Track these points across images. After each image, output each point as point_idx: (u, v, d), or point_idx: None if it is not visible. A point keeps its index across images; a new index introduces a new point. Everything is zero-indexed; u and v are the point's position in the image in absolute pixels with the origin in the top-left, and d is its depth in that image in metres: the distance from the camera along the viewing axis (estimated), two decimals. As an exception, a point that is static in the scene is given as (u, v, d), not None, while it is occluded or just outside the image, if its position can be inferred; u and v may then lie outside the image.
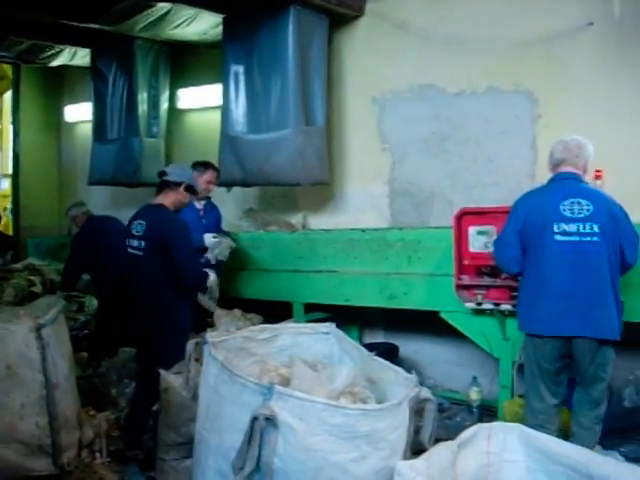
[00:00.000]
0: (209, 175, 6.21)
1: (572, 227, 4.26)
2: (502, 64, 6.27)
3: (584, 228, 4.25)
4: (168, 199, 5.05)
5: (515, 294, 5.05)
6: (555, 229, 4.29)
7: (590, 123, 5.77)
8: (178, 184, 5.05)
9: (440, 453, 3.44)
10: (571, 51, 5.95)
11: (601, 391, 4.43)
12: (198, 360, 3.93)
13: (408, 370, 3.86)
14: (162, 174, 5.12)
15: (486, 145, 6.40)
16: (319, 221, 7.29)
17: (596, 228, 4.23)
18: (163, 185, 5.10)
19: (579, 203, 4.29)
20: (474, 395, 5.75)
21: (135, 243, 4.98)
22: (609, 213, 4.28)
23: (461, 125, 6.53)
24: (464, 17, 6.46)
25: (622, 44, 5.76)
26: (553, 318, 4.30)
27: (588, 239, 4.24)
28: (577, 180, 4.46)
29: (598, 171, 5.22)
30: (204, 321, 5.60)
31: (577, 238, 4.25)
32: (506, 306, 5.15)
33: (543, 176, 5.88)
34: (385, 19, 6.88)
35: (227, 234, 6.31)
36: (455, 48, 6.47)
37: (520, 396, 5.13)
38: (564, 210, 4.29)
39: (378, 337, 7.06)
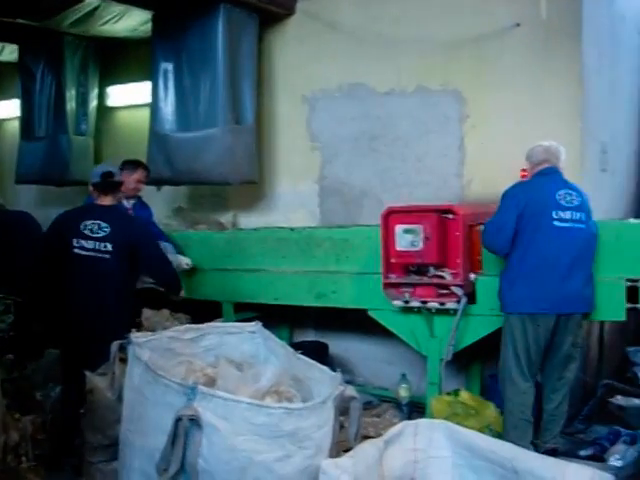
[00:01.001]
0: (139, 174, 6.16)
1: (567, 214, 4.74)
2: (431, 64, 6.34)
3: (575, 216, 4.75)
4: (114, 199, 5.02)
5: (443, 292, 5.15)
6: (554, 215, 4.71)
7: (517, 123, 5.92)
8: (121, 184, 5.06)
9: (366, 450, 3.46)
10: (499, 52, 6.05)
11: (575, 369, 4.93)
12: (124, 361, 3.88)
13: (338, 368, 3.87)
14: (109, 175, 5.07)
15: (415, 144, 6.45)
16: (249, 220, 7.26)
17: (583, 217, 4.78)
18: (112, 186, 5.06)
19: (570, 194, 4.80)
20: (403, 392, 5.79)
21: (90, 244, 4.91)
22: (587, 205, 4.87)
23: (390, 124, 6.57)
24: (394, 17, 6.50)
25: (549, 45, 5.87)
26: (556, 297, 4.68)
27: (578, 226, 4.75)
28: (560, 174, 4.95)
29: (524, 170, 5.29)
30: (132, 321, 5.52)
31: (570, 225, 4.74)
32: (433, 304, 5.19)
33: (470, 175, 6.09)
34: (316, 18, 6.89)
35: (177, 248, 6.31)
36: (385, 48, 6.51)
37: (448, 393, 5.19)
38: (560, 199, 4.76)
39: (308, 336, 7.05)
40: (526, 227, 4.71)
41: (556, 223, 4.72)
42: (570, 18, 5.82)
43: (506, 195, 4.86)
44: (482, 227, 4.98)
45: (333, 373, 3.80)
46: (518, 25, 5.92)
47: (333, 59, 6.84)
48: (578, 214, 4.78)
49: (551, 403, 4.88)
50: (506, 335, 4.79)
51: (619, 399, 6.23)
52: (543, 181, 4.90)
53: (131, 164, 6.16)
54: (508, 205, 4.78)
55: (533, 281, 4.69)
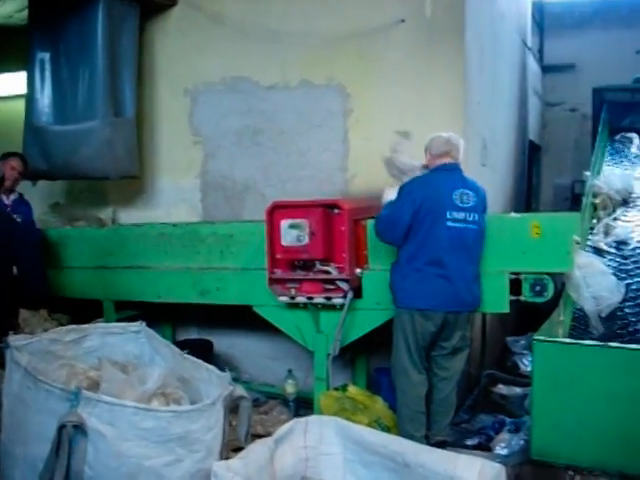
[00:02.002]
0: (14, 162, 6.02)
1: (461, 215, 4.73)
2: (315, 58, 6.32)
3: (469, 217, 4.75)
4: None
5: (329, 287, 5.14)
6: (448, 216, 4.70)
7: (400, 119, 5.96)
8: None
9: (257, 451, 3.42)
10: (383, 47, 6.07)
11: (464, 360, 4.99)
12: (2, 366, 3.70)
13: (223, 366, 3.79)
14: None
15: (299, 139, 6.42)
16: (129, 216, 7.08)
17: (476, 217, 4.79)
18: None
19: (467, 194, 4.79)
20: (290, 388, 5.76)
21: None
22: (483, 204, 4.91)
23: (274, 118, 6.52)
24: (279, 11, 6.46)
25: (432, 42, 5.94)
26: (445, 296, 4.70)
27: (470, 227, 4.76)
28: (460, 171, 4.92)
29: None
30: (9, 323, 5.28)
31: (463, 225, 4.74)
32: (319, 299, 5.16)
33: (354, 169, 6.11)
34: (199, 10, 6.77)
35: None
36: (269, 41, 6.45)
37: (336, 388, 5.19)
38: (456, 199, 4.74)
39: (192, 334, 6.95)
40: (420, 225, 4.69)
41: (449, 224, 4.70)
42: (453, 16, 5.91)
43: (404, 190, 4.82)
44: (375, 218, 4.94)
45: (221, 373, 3.72)
46: (403, 21, 5.97)
47: (216, 52, 6.73)
48: (471, 215, 4.78)
49: (440, 393, 4.91)
50: (397, 329, 4.80)
51: (501, 388, 6.42)
52: (441, 178, 4.85)
53: (4, 155, 6.00)
54: (405, 200, 4.73)
55: (423, 279, 4.70)
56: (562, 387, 4.28)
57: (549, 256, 4.83)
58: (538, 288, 4.88)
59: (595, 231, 6.49)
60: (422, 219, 4.68)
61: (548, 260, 4.84)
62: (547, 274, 4.88)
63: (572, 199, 8.76)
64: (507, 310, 5.00)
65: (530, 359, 6.97)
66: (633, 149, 8.36)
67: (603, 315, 5.04)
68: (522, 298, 4.93)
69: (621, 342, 5.00)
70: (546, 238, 4.83)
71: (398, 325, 4.80)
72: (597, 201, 6.69)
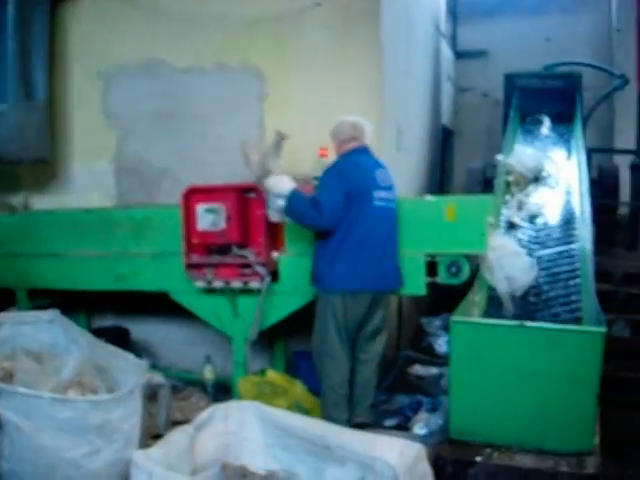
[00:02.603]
0: None
1: (383, 194, 4.80)
2: (231, 41, 6.25)
3: (389, 196, 4.85)
4: None
5: (246, 271, 5.12)
6: (374, 195, 4.73)
7: (317, 103, 5.96)
8: None
9: (177, 438, 3.40)
10: (299, 30, 6.05)
11: (384, 341, 4.98)
12: None
13: (141, 353, 3.74)
14: None
15: (214, 123, 6.35)
16: (42, 202, 6.88)
17: (393, 197, 4.89)
18: None
19: (384, 173, 4.88)
20: (208, 374, 5.73)
21: None
22: (391, 182, 4.94)
23: (189, 102, 6.43)
24: (194, -8, 6.35)
25: (348, 26, 5.94)
26: (375, 275, 4.74)
27: (391, 206, 4.85)
28: (371, 153, 4.95)
29: (323, 149, 5.33)
30: None
31: (385, 204, 4.81)
32: (236, 283, 5.15)
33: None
34: (113, -9, 6.61)
35: None
36: (184, 23, 6.36)
37: (255, 373, 5.19)
38: (378, 179, 4.80)
39: (107, 321, 6.83)
40: (350, 206, 4.66)
41: (376, 203, 4.75)
42: (369, 1, 5.91)
43: (331, 172, 4.78)
44: (299, 207, 4.79)
45: (138, 360, 3.68)
46: (319, 4, 5.96)
47: (131, 34, 6.58)
48: (391, 194, 4.89)
49: (362, 376, 4.93)
50: (326, 313, 4.76)
51: (418, 369, 6.52)
52: (363, 159, 4.87)
53: None
54: (336, 183, 4.68)
55: (354, 260, 4.68)
56: (479, 366, 4.38)
57: (464, 238, 4.92)
58: (454, 270, 4.96)
59: (509, 206, 6.74)
60: (352, 199, 4.67)
61: (463, 242, 4.93)
62: (462, 256, 4.96)
63: (484, 182, 8.86)
64: (424, 292, 5.07)
65: (445, 339, 7.21)
66: (544, 130, 8.59)
67: (517, 295, 5.13)
68: (438, 280, 5.01)
69: (536, 319, 5.19)
70: (461, 220, 4.92)
71: (328, 309, 4.75)
72: (510, 178, 6.97)
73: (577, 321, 5.33)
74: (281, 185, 4.82)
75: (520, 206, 6.69)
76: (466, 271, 4.96)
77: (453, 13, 11.53)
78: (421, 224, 5.03)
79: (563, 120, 8.80)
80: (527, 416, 4.34)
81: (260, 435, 3.76)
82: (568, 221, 6.67)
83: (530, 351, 4.26)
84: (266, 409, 3.83)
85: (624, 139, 10.37)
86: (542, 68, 9.37)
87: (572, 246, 6.19)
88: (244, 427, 3.75)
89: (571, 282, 5.79)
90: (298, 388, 5.08)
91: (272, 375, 5.15)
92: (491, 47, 11.77)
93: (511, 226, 6.56)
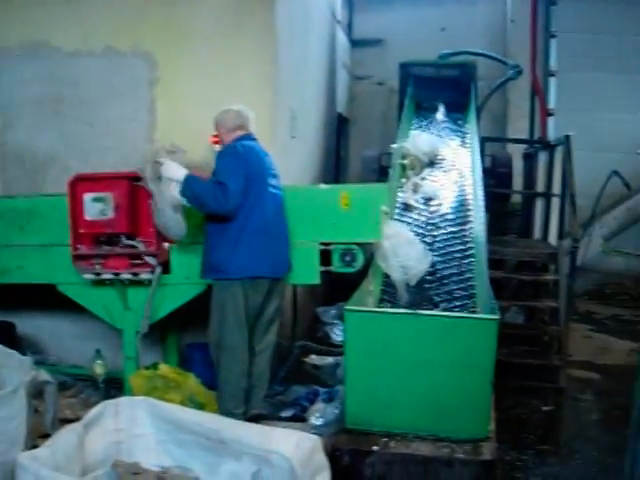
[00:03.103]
0: None
1: (274, 181, 4.84)
2: (121, 24, 6.03)
3: (279, 184, 4.89)
4: None
5: (136, 262, 5.00)
6: (269, 181, 4.77)
7: (210, 88, 5.86)
8: None
9: (65, 437, 3.28)
10: (192, 14, 5.91)
11: (276, 331, 5.03)
12: None
13: (29, 349, 3.58)
14: None
15: (103, 108, 6.12)
16: None
17: (280, 184, 4.91)
18: None
19: (271, 162, 4.90)
20: (99, 369, 5.51)
21: None
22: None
23: (77, 86, 6.16)
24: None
25: (242, 10, 5.85)
26: (273, 262, 4.77)
27: (280, 193, 4.88)
28: (258, 141, 4.92)
29: (216, 136, 5.21)
30: None
31: (277, 191, 4.85)
32: (126, 275, 5.01)
33: (162, 141, 5.93)
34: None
35: None
36: (71, 5, 6.09)
37: (146, 367, 5.03)
38: (270, 166, 4.85)
39: (-8, 316, 6.54)
40: (249, 191, 4.62)
41: (270, 189, 4.77)
42: None
43: (229, 156, 4.70)
44: (198, 189, 4.65)
45: (22, 357, 3.51)
46: None
47: (14, 14, 6.24)
48: (278, 181, 4.91)
49: (258, 367, 4.89)
50: (226, 303, 4.67)
51: (314, 358, 6.50)
52: (254, 146, 4.83)
53: None
54: (236, 166, 4.61)
55: (255, 246, 4.65)
56: (374, 356, 4.36)
57: (358, 226, 4.94)
58: (348, 258, 4.98)
59: (404, 189, 6.81)
60: (250, 184, 4.63)
61: (357, 230, 4.95)
62: (357, 244, 4.97)
63: (379, 171, 8.90)
64: (318, 281, 5.07)
65: (341, 329, 7.19)
66: (438, 115, 8.68)
67: (412, 284, 5.13)
68: (332, 269, 5.02)
69: (431, 301, 5.31)
70: (355, 209, 4.94)
71: (228, 299, 4.66)
72: (406, 162, 6.96)
73: (471, 298, 5.42)
74: (174, 171, 4.68)
75: (415, 189, 6.77)
76: (360, 260, 4.99)
77: (349, 1, 11.50)
78: (315, 213, 5.02)
79: (458, 109, 8.86)
80: (423, 404, 4.35)
81: (152, 431, 3.68)
82: (462, 203, 6.79)
83: (424, 339, 4.27)
84: (158, 404, 3.72)
85: (517, 128, 10.63)
86: (437, 57, 9.43)
87: (465, 227, 6.31)
88: (136, 424, 3.65)
89: (465, 261, 5.87)
90: (191, 381, 4.96)
91: (164, 369, 5.00)
92: (387, 36, 11.80)
93: (406, 208, 6.63)
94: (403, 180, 6.91)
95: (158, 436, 3.68)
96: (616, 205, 11.16)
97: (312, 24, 7.80)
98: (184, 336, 5.84)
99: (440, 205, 6.71)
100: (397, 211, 6.57)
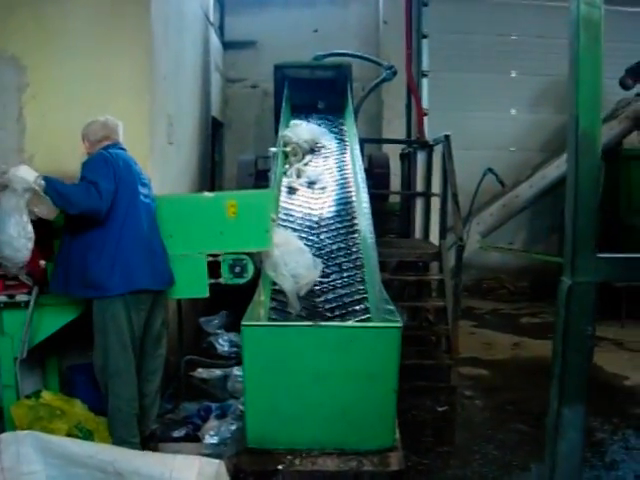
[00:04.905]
0: None
1: (146, 190, 4.69)
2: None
3: (150, 193, 4.75)
4: None
5: (11, 283, 4.61)
6: (140, 190, 4.61)
7: (82, 94, 5.59)
8: None
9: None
10: (62, 14, 5.62)
11: (165, 348, 4.88)
12: None
13: None
14: None
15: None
16: None
17: (151, 193, 4.78)
18: None
19: (141, 171, 4.73)
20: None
21: None
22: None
23: None
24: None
25: (117, 11, 5.64)
26: (153, 273, 4.56)
27: (151, 202, 4.71)
28: (126, 149, 4.74)
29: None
30: None
31: (149, 201, 4.69)
32: (0, 297, 4.63)
33: (32, 150, 5.69)
34: None
35: None
36: None
37: (27, 396, 4.69)
38: (139, 174, 4.68)
39: None
40: (120, 202, 4.43)
41: (142, 198, 4.60)
42: None
43: (97, 162, 4.46)
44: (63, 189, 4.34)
45: None
46: None
47: None
48: (150, 191, 4.77)
49: (150, 386, 4.73)
50: (107, 323, 4.40)
51: (201, 372, 6.33)
52: (121, 154, 4.62)
53: None
54: (106, 171, 4.38)
55: (133, 259, 4.44)
56: (274, 371, 4.18)
57: (247, 235, 4.80)
58: (238, 269, 4.86)
59: (288, 174, 7.01)
60: (122, 194, 4.44)
61: (246, 239, 4.81)
62: (246, 254, 4.83)
63: (256, 175, 8.79)
64: (207, 294, 4.91)
65: (226, 338, 7.07)
66: (320, 106, 8.94)
67: (302, 294, 5.00)
68: (222, 281, 4.87)
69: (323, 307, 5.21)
70: (243, 217, 4.79)
71: (109, 318, 4.40)
72: (288, 149, 7.17)
73: (360, 303, 5.32)
74: (24, 174, 4.23)
75: (299, 174, 7.00)
76: (251, 270, 4.88)
77: (220, 2, 11.30)
78: (201, 223, 4.83)
79: (334, 111, 8.82)
80: (327, 418, 4.22)
81: (41, 468, 3.44)
82: (343, 186, 6.99)
83: (325, 351, 4.13)
84: (45, 438, 3.48)
85: (392, 129, 10.72)
86: (312, 59, 9.36)
87: (352, 227, 6.28)
88: (22, 461, 3.40)
89: (354, 265, 5.79)
90: (77, 408, 4.65)
91: (47, 396, 4.65)
92: (260, 38, 11.73)
93: (291, 191, 6.78)
94: (286, 167, 7.09)
95: (47, 472, 3.46)
96: (491, 202, 11.45)
97: (186, 25, 7.60)
98: (65, 358, 5.49)
99: (323, 188, 6.89)
100: (283, 195, 6.65)
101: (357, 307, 5.23)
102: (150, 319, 4.63)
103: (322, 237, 6.15)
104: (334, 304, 5.31)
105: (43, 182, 4.23)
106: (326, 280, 5.52)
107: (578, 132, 2.88)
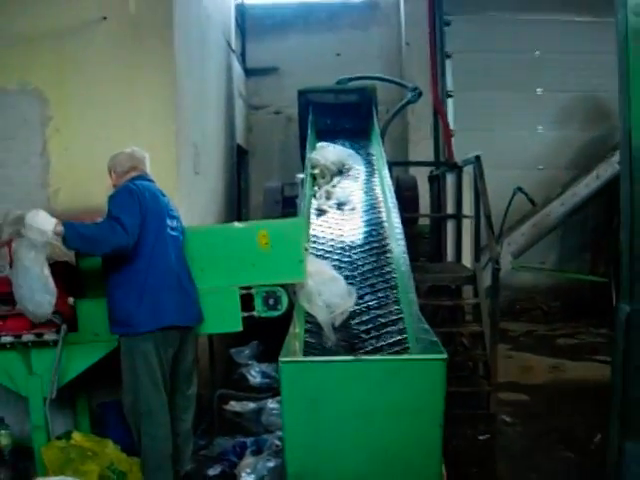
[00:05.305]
0: None
1: (174, 222, 4.56)
2: (6, 60, 5.60)
3: (179, 225, 4.61)
4: None
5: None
6: (168, 222, 4.49)
7: (106, 126, 5.53)
8: None
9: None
10: (84, 47, 5.58)
11: (196, 385, 4.72)
12: None
13: None
14: None
15: (-8, 152, 5.66)
16: None
17: (179, 226, 4.63)
18: None
19: (169, 202, 4.62)
20: (4, 440, 4.96)
21: None
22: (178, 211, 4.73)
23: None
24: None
25: (139, 42, 5.58)
26: (182, 309, 4.43)
27: (178, 235, 4.58)
28: (154, 181, 4.64)
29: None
30: None
31: (177, 234, 4.57)
32: (28, 336, 4.51)
33: (57, 184, 5.63)
34: None
35: None
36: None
37: (58, 437, 4.58)
38: (167, 206, 4.56)
39: None
40: (147, 235, 4.31)
41: (170, 232, 4.48)
42: (160, 13, 5.62)
43: (123, 195, 4.34)
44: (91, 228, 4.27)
45: None
46: (104, 18, 5.52)
47: None
48: (179, 223, 4.64)
49: (184, 425, 4.59)
50: (137, 363, 4.27)
51: (234, 405, 6.18)
52: (149, 186, 4.53)
53: None
54: (131, 205, 4.27)
55: (162, 294, 4.33)
56: (314, 407, 3.94)
57: (280, 266, 4.66)
58: (272, 302, 4.73)
59: (318, 196, 6.94)
60: (148, 226, 4.33)
61: (280, 271, 4.67)
62: (280, 286, 4.69)
63: (283, 202, 8.68)
64: (240, 328, 4.76)
65: (257, 369, 6.91)
66: None
67: (337, 324, 4.84)
68: (255, 314, 4.73)
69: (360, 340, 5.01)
70: (275, 247, 4.65)
71: (139, 358, 4.26)
72: (316, 171, 7.12)
73: (401, 332, 5.13)
74: (42, 223, 4.08)
75: (328, 196, 6.94)
76: (285, 302, 4.74)
77: (242, 29, 11.26)
78: (233, 254, 4.68)
79: (360, 135, 8.69)
80: (369, 455, 3.98)
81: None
82: (373, 206, 6.90)
83: (367, 386, 3.90)
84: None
85: (418, 151, 10.60)
86: (335, 83, 9.26)
87: (384, 253, 6.09)
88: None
89: (389, 292, 5.59)
90: (109, 448, 4.51)
91: (78, 437, 4.52)
92: (282, 64, 11.69)
93: (321, 213, 6.70)
94: (315, 189, 7.02)
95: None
96: (522, 221, 11.29)
97: (209, 53, 7.55)
98: (95, 395, 5.36)
99: (353, 209, 6.82)
100: (313, 217, 6.56)
101: (393, 335, 5.08)
102: (180, 356, 4.50)
103: (354, 257, 6.01)
104: (370, 325, 5.18)
105: (62, 229, 4.07)
106: (360, 302, 5.35)
107: (632, 148, 2.70)
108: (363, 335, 5.09)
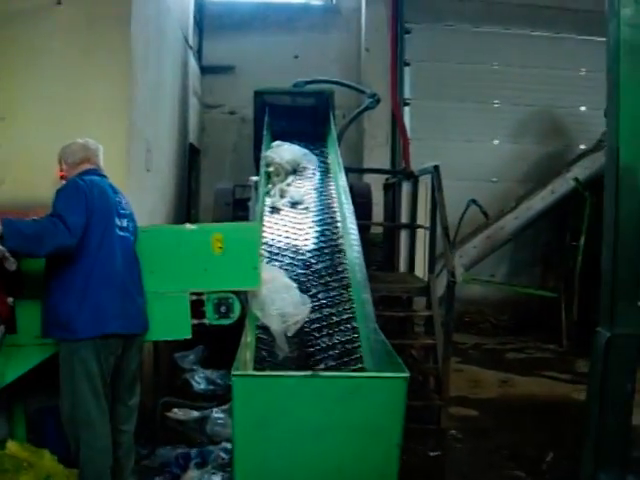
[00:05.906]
0: None
1: (125, 222, 4.34)
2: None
3: (130, 225, 4.38)
4: None
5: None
6: (117, 222, 4.27)
7: (55, 117, 5.33)
8: None
9: None
10: (35, 34, 5.37)
11: (139, 394, 4.49)
12: None
13: None
14: None
15: None
16: None
17: (131, 226, 4.40)
18: None
19: (122, 201, 4.40)
20: None
21: None
22: (131, 210, 4.50)
23: None
24: None
25: (94, 31, 5.42)
26: (127, 316, 4.21)
27: (130, 236, 4.37)
28: (107, 176, 4.45)
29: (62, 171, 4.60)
30: None
31: (127, 234, 4.34)
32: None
33: (0, 175, 5.25)
34: None
35: None
36: None
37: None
38: (118, 205, 4.33)
39: None
40: (93, 235, 4.09)
41: (118, 232, 4.25)
42: (118, 2, 5.42)
43: (69, 190, 4.12)
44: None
45: None
46: (59, 3, 5.31)
47: None
48: (130, 224, 4.41)
49: (126, 435, 4.36)
50: (75, 371, 4.03)
51: (177, 413, 5.99)
52: (99, 181, 4.30)
53: None
54: (76, 202, 4.03)
55: (105, 298, 4.09)
56: (267, 424, 3.77)
57: (234, 273, 4.50)
58: (223, 309, 4.56)
59: (272, 194, 6.91)
60: (94, 226, 4.10)
61: (233, 277, 4.51)
62: (232, 292, 4.52)
63: (234, 204, 8.48)
64: (189, 336, 4.56)
65: (202, 375, 6.69)
66: None
67: (289, 334, 4.67)
68: (206, 321, 4.54)
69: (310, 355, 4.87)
70: (229, 252, 4.47)
71: (77, 366, 4.02)
72: (271, 169, 7.07)
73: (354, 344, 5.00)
74: None
75: (282, 194, 6.90)
76: (237, 310, 4.57)
77: (199, 26, 11.07)
78: (184, 257, 4.48)
79: (316, 139, 8.53)
80: (324, 476, 3.85)
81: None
82: (328, 206, 6.84)
83: (324, 403, 3.75)
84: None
85: (373, 158, 10.52)
86: (292, 85, 9.10)
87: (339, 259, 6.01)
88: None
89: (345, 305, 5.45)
90: (46, 460, 4.26)
91: (13, 447, 4.26)
92: (238, 63, 11.60)
93: (274, 211, 6.65)
94: (269, 186, 6.96)
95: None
96: (474, 234, 11.25)
97: (166, 48, 7.36)
98: (32, 400, 5.08)
99: (306, 208, 6.75)
100: (266, 215, 6.45)
101: (347, 326, 5.06)
102: (122, 364, 4.27)
103: (308, 256, 5.94)
104: (323, 323, 5.11)
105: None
106: (313, 300, 5.25)
107: (619, 167, 2.56)
108: (315, 334, 5.01)
